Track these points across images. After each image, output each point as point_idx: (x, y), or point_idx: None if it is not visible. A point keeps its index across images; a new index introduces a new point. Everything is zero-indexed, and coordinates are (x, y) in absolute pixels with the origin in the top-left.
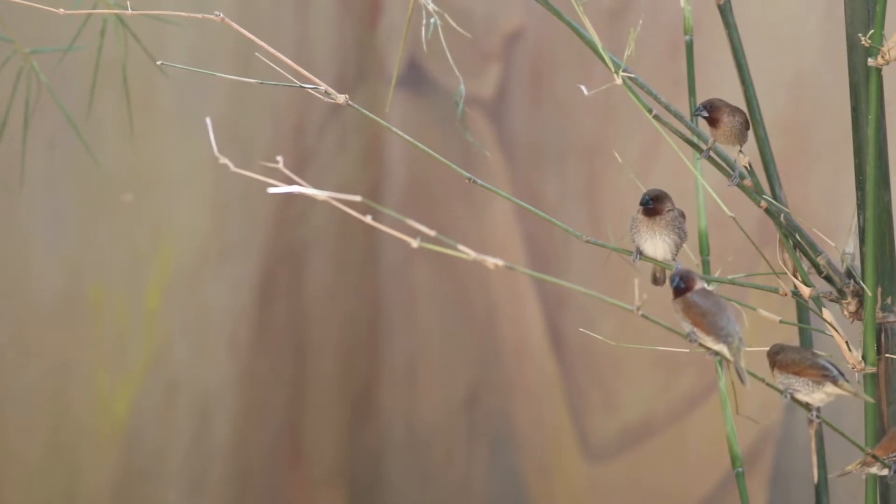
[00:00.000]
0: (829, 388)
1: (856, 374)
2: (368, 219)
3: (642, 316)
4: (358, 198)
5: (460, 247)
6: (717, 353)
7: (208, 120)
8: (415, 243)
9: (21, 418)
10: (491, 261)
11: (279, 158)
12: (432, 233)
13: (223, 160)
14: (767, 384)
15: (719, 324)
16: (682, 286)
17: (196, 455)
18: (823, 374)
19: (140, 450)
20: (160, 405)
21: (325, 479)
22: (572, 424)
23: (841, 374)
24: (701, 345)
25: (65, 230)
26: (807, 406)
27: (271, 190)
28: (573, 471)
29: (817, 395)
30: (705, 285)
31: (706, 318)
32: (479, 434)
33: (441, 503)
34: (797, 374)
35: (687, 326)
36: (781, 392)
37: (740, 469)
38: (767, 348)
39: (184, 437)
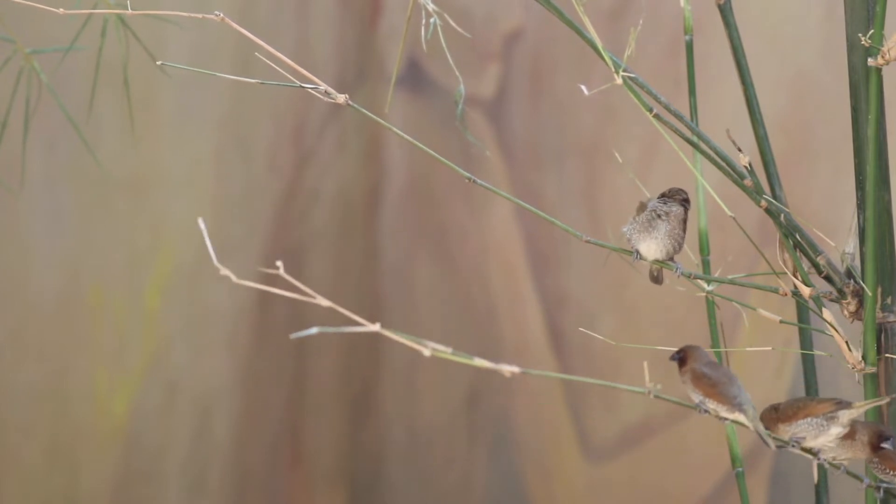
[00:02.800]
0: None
1: (856, 374)
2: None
3: (655, 397)
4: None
5: None
6: (734, 422)
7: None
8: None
9: (21, 418)
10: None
11: (279, 264)
12: None
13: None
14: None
15: (731, 392)
16: (678, 357)
17: (196, 455)
18: (836, 403)
19: (140, 450)
20: (160, 405)
21: (325, 479)
22: (572, 425)
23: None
24: (715, 415)
25: (65, 230)
26: (812, 452)
27: None
28: (573, 471)
29: (834, 429)
30: (711, 357)
31: (717, 388)
32: (479, 434)
33: (441, 503)
34: (809, 415)
35: (696, 397)
36: (787, 443)
37: (740, 469)
38: (768, 348)
39: (184, 437)
